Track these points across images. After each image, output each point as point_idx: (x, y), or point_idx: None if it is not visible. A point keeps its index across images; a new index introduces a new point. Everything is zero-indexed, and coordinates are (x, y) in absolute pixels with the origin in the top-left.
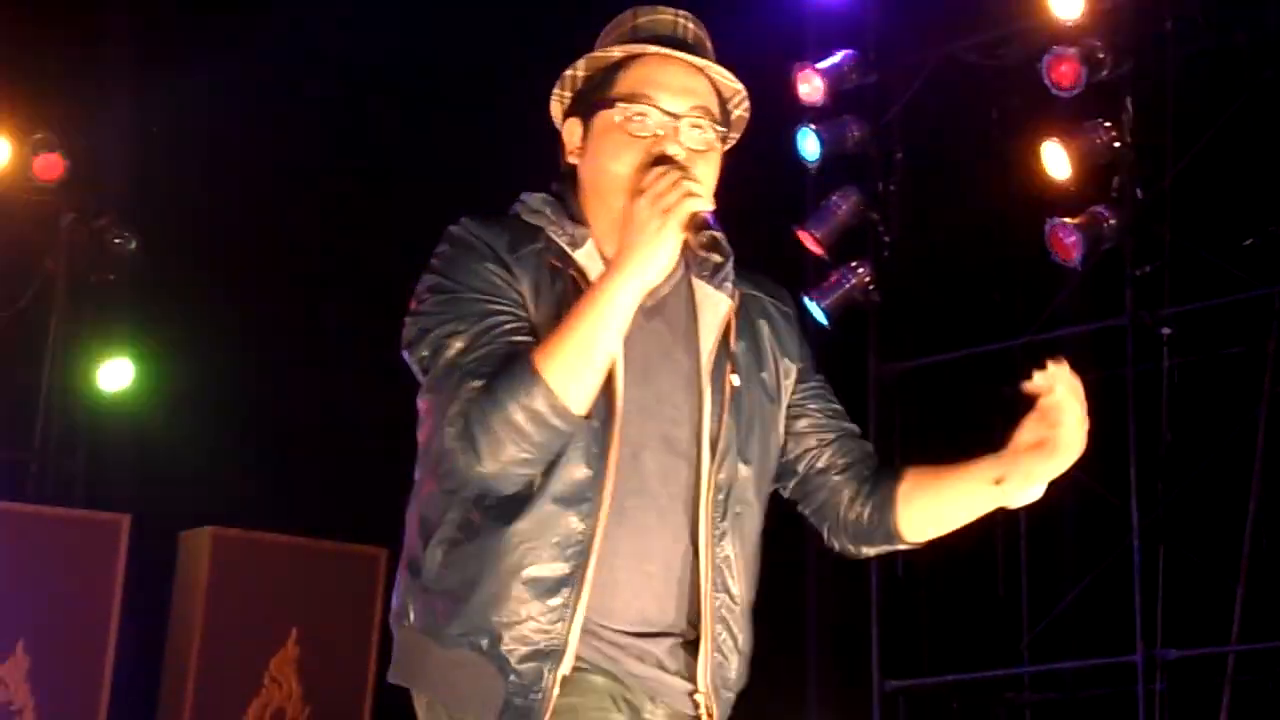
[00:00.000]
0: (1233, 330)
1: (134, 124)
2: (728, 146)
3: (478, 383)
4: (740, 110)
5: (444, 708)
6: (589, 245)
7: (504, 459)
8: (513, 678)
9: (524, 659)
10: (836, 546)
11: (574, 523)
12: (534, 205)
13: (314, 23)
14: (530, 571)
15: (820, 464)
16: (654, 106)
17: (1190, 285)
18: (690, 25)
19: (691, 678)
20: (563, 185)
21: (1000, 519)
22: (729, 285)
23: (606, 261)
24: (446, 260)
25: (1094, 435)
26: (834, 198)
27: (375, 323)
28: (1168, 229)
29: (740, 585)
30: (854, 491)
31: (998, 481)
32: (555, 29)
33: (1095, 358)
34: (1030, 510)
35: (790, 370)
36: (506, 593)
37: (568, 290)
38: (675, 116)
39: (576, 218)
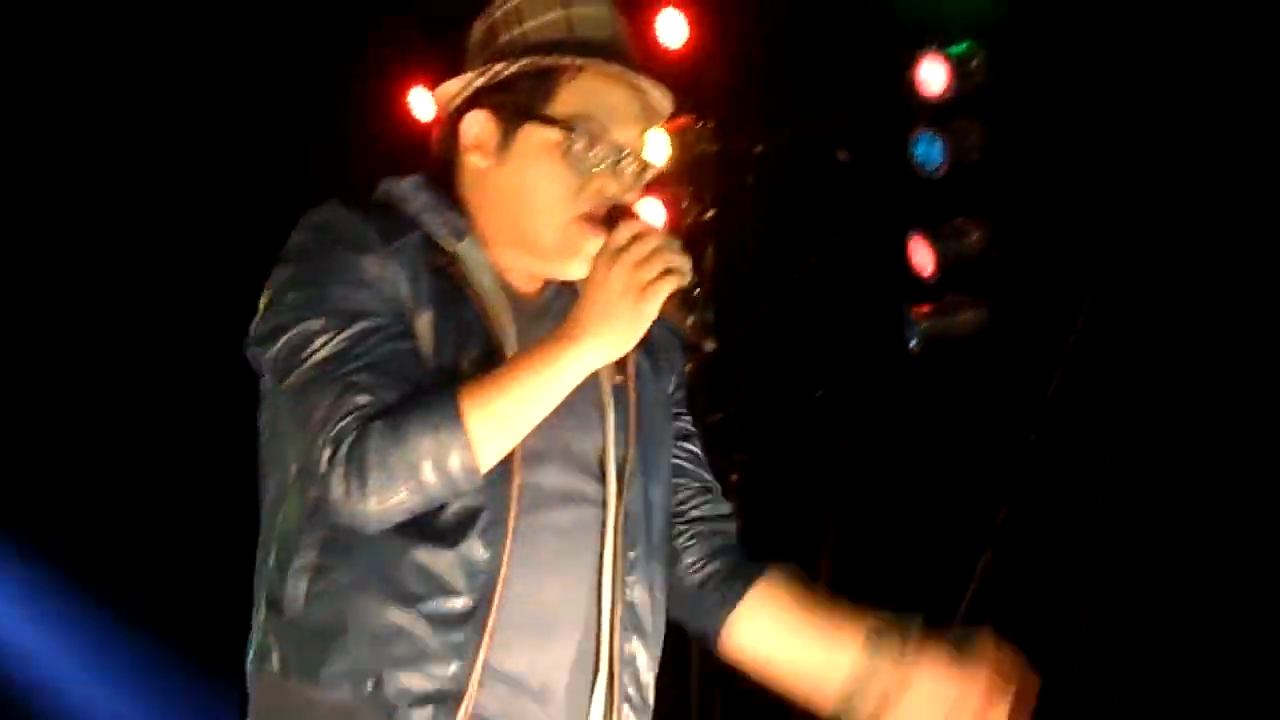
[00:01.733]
0: (800, 479)
1: None
2: (648, 176)
3: (367, 399)
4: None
5: None
6: (470, 238)
7: (392, 503)
8: None
9: (416, 703)
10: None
11: (480, 552)
12: (404, 191)
13: None
14: (429, 604)
15: (688, 542)
16: (604, 140)
17: (761, 433)
18: (622, 22)
19: None
20: (439, 172)
21: None
22: None
23: (491, 257)
24: (307, 249)
25: None
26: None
27: None
28: (741, 376)
29: (652, 628)
30: (699, 559)
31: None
32: None
33: None
34: None
35: (674, 393)
36: (397, 627)
37: (450, 287)
38: (622, 149)
39: (455, 207)
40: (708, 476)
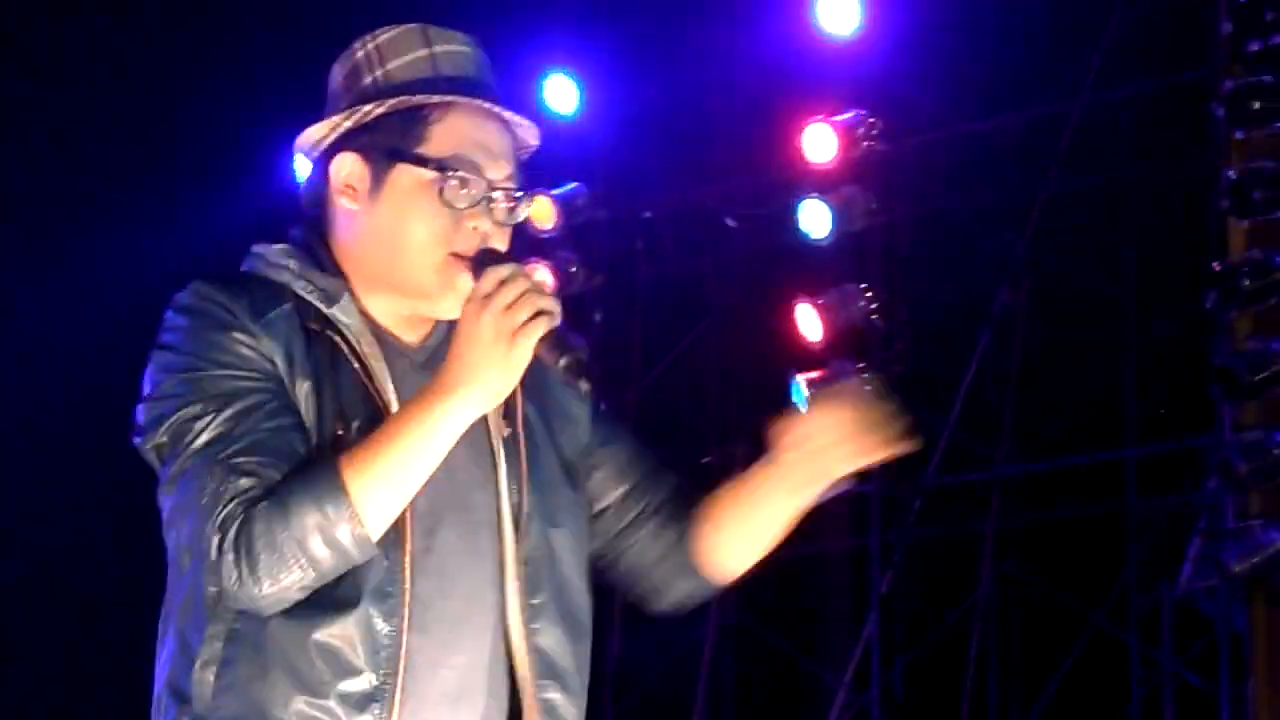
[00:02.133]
0: None
1: None
2: (520, 214)
3: (251, 482)
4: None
5: None
6: (345, 299)
7: (285, 583)
8: None
9: None
10: (654, 606)
11: (379, 624)
12: (274, 259)
13: None
14: (340, 686)
15: (628, 517)
16: (478, 175)
17: None
18: (485, 60)
19: None
20: (306, 228)
21: None
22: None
23: (366, 315)
24: (180, 333)
25: None
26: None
27: None
28: None
29: (569, 665)
30: (656, 536)
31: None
32: None
33: None
34: None
35: (580, 419)
36: (313, 711)
37: (328, 354)
38: (494, 186)
39: (327, 269)
40: (645, 465)
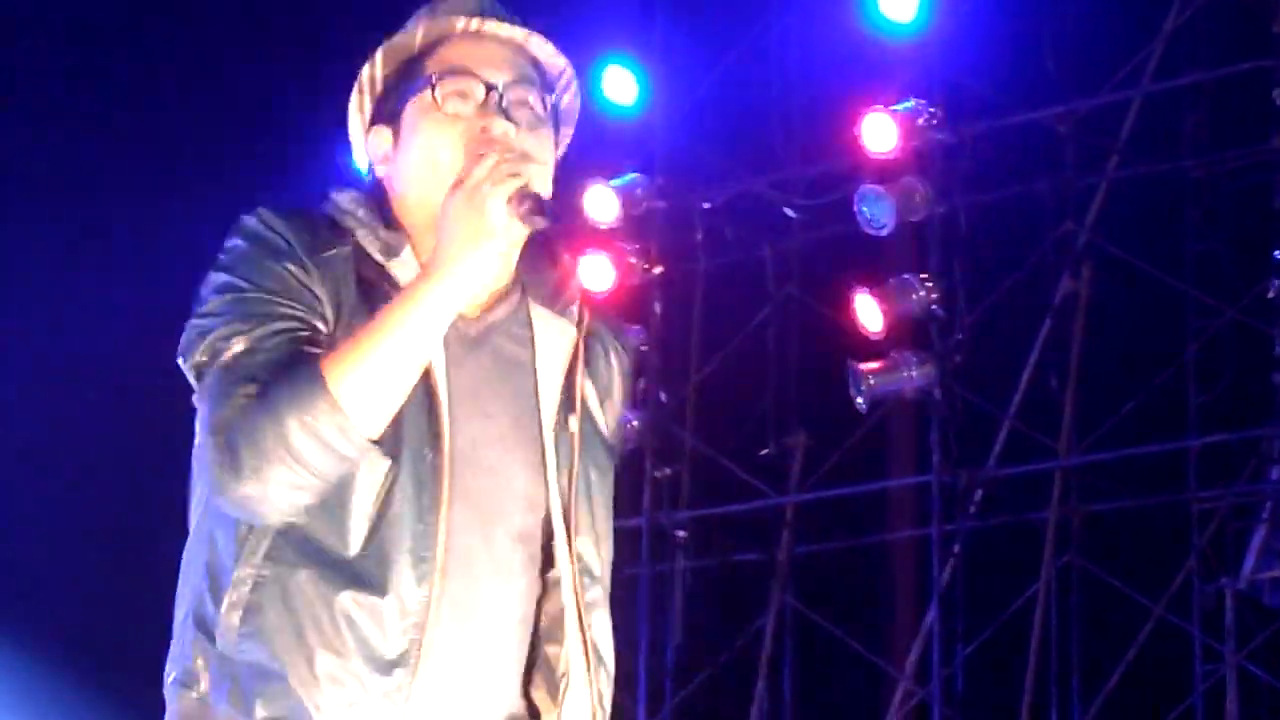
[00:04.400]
0: (746, 536)
1: None
2: (562, 141)
3: (251, 387)
4: (569, 98)
5: None
6: (406, 253)
7: (269, 479)
8: None
9: None
10: None
11: (411, 588)
12: (344, 204)
13: None
14: (367, 646)
15: None
16: (474, 78)
17: (707, 490)
18: (498, 4)
19: None
20: (375, 187)
21: None
22: (574, 311)
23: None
24: (236, 256)
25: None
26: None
27: None
28: (689, 433)
29: (611, 660)
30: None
31: None
32: None
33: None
34: None
35: (614, 387)
36: (336, 670)
37: (377, 305)
38: (497, 89)
39: (391, 223)
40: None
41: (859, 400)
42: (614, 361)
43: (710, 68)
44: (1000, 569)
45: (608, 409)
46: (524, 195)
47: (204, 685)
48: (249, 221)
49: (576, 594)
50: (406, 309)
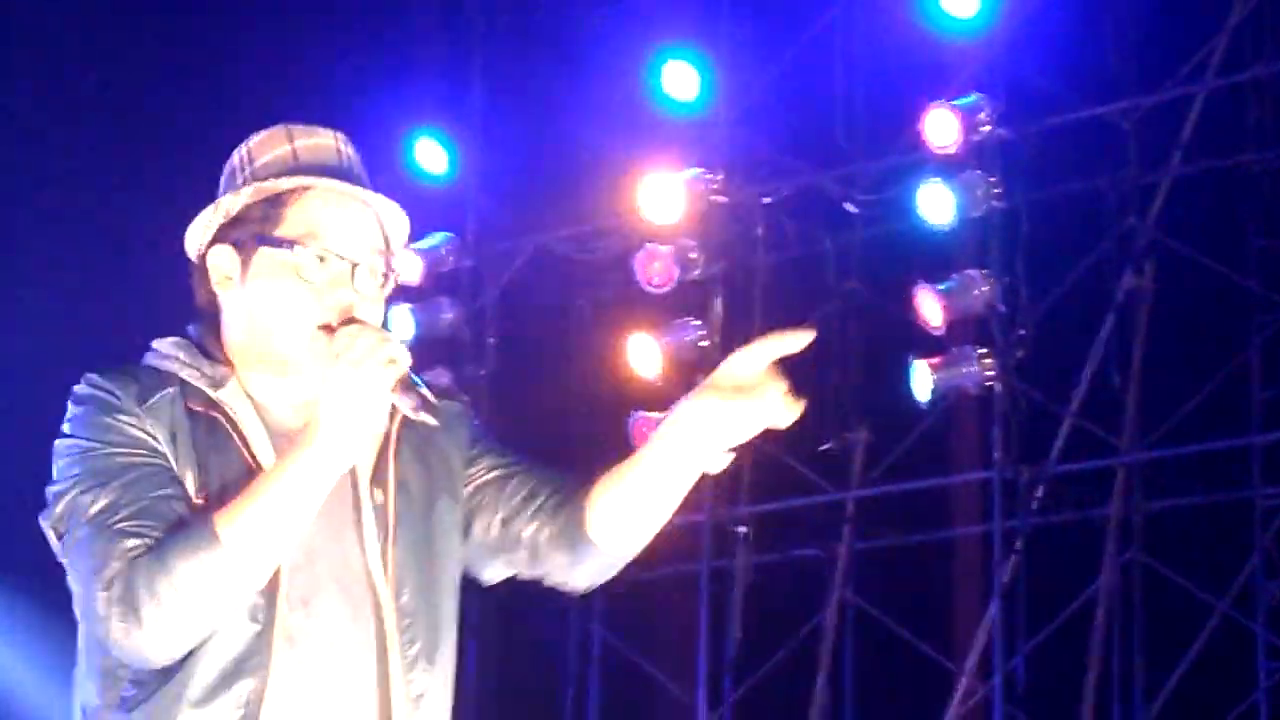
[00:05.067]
0: (806, 532)
1: None
2: (389, 286)
3: (135, 542)
4: (401, 243)
5: None
6: (232, 384)
7: (169, 632)
8: None
9: None
10: (557, 583)
11: (247, 685)
12: (164, 350)
13: None
14: None
15: (515, 520)
16: (331, 253)
17: (768, 486)
18: (350, 151)
19: None
20: (200, 322)
21: (569, 712)
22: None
23: (251, 399)
24: (75, 421)
25: (667, 631)
26: (424, 379)
27: None
28: None
29: (443, 702)
30: (546, 517)
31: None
32: None
33: (671, 553)
34: (601, 706)
35: (464, 459)
36: None
37: (218, 436)
38: (354, 265)
39: (214, 357)
40: (519, 464)
41: (920, 396)
42: (444, 415)
43: (773, 62)
44: (1062, 565)
45: (453, 454)
46: (407, 385)
47: None
48: (80, 389)
49: (400, 650)
50: (290, 473)
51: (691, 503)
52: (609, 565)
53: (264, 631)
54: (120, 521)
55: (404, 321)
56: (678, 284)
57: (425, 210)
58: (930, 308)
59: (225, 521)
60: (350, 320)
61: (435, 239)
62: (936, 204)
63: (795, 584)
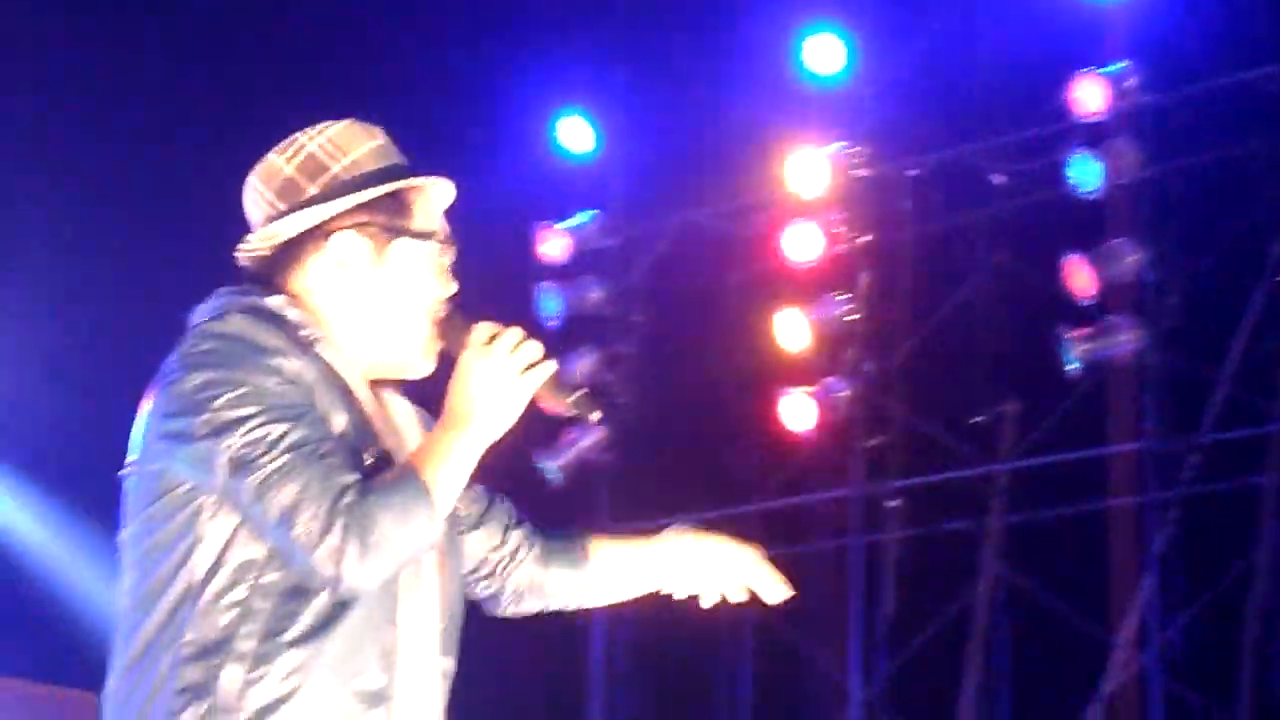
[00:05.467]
0: (957, 505)
1: None
2: None
3: (350, 477)
4: None
5: None
6: (324, 346)
7: (386, 563)
8: None
9: None
10: (499, 609)
11: (388, 631)
12: (277, 307)
13: None
14: (358, 683)
15: (494, 556)
16: (450, 246)
17: (918, 459)
18: None
19: None
20: (269, 285)
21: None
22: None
23: (345, 363)
24: (229, 356)
25: (819, 606)
26: (571, 357)
27: None
28: (898, 403)
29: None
30: (521, 549)
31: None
32: None
33: (822, 527)
34: (754, 681)
35: None
36: (332, 707)
37: (331, 387)
38: (454, 253)
39: (312, 321)
40: (483, 500)
41: (1071, 366)
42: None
43: (916, 33)
44: (1218, 535)
45: None
46: (564, 387)
47: None
48: (221, 326)
49: (443, 624)
50: (462, 449)
51: (841, 478)
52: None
53: (391, 583)
54: (329, 455)
55: (552, 301)
56: (824, 258)
57: (571, 189)
58: (1080, 278)
59: (430, 479)
60: (458, 318)
61: (581, 218)
62: (1085, 173)
63: (947, 558)
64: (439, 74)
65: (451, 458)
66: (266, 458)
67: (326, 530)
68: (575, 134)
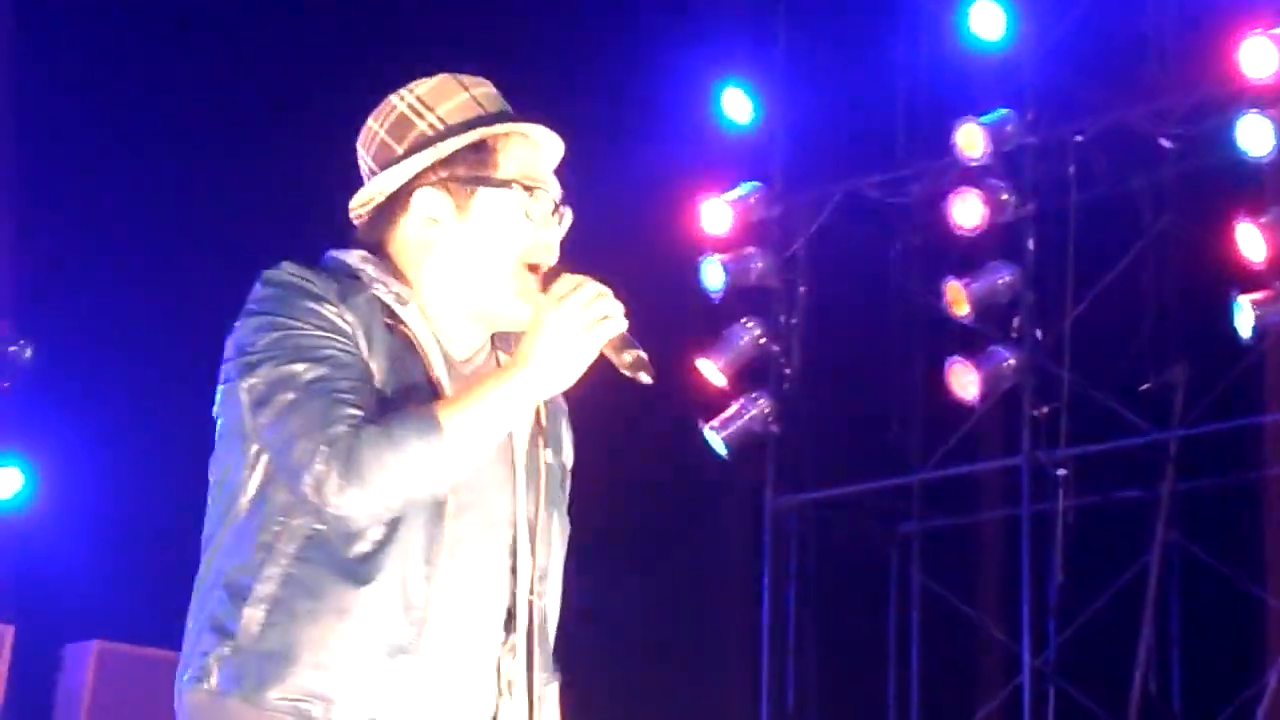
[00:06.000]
0: (1128, 474)
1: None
2: (566, 222)
3: (359, 412)
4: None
5: None
6: (413, 306)
7: (383, 495)
8: None
9: None
10: None
11: (418, 587)
12: (353, 262)
13: None
14: (381, 636)
15: None
16: (548, 193)
17: (1087, 427)
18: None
19: None
20: (373, 246)
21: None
22: None
23: (429, 323)
24: (274, 301)
25: (987, 575)
26: (736, 329)
27: None
28: (1066, 370)
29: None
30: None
31: None
32: None
33: (990, 497)
34: (922, 650)
35: (566, 443)
36: (351, 657)
37: (400, 346)
38: (555, 200)
39: (399, 278)
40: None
41: (1243, 332)
42: (559, 404)
43: None
44: None
45: (563, 448)
46: (624, 343)
47: (214, 680)
48: (276, 274)
49: (529, 603)
50: (504, 393)
51: (1009, 446)
52: None
53: (433, 542)
54: (341, 392)
55: (715, 273)
56: (989, 226)
57: (733, 161)
58: (1251, 242)
59: (446, 415)
60: (559, 272)
61: (744, 189)
62: (1255, 135)
63: (1117, 526)
64: (599, 46)
65: (486, 399)
66: (281, 393)
67: (313, 456)
68: (737, 105)
